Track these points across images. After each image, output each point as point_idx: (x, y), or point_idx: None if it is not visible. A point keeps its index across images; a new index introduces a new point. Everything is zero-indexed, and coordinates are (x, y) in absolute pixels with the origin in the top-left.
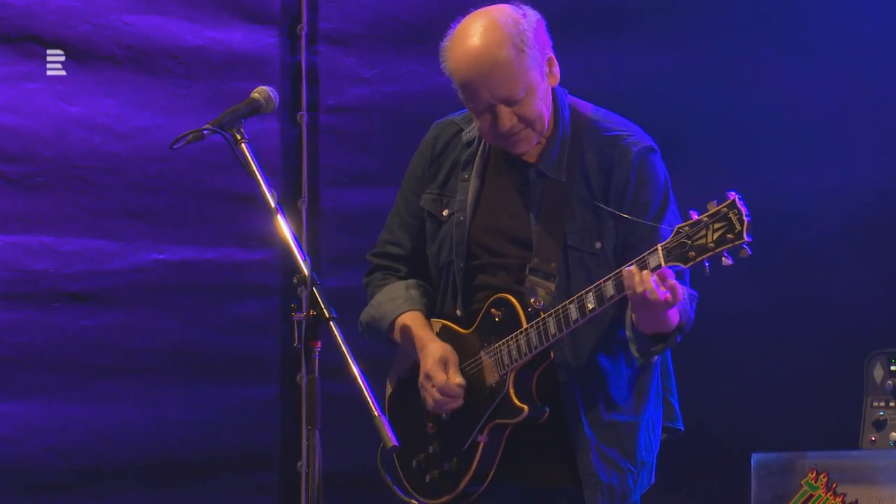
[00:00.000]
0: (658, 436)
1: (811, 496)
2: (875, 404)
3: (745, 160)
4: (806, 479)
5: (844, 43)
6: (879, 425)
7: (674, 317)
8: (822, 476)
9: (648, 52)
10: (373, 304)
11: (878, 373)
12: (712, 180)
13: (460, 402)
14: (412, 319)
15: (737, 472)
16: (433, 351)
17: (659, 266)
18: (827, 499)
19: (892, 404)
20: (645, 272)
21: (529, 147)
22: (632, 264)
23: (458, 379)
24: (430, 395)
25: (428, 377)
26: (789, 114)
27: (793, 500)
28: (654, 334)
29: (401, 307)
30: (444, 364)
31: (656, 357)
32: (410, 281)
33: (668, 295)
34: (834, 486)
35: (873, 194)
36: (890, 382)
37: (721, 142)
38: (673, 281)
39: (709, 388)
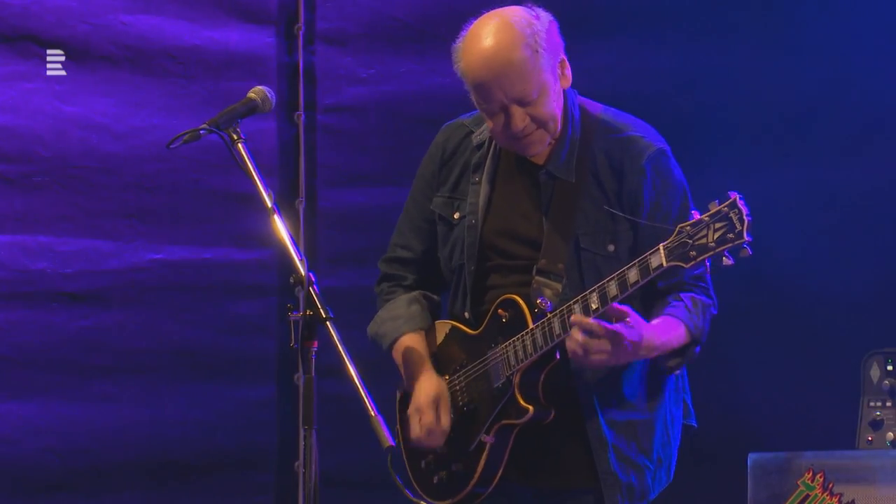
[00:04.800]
0: (678, 432)
1: (808, 496)
2: (872, 404)
3: (743, 160)
4: (802, 479)
5: (842, 43)
6: (876, 425)
7: (671, 335)
8: (818, 476)
9: (648, 53)
10: (376, 319)
11: (875, 373)
12: (711, 180)
13: (441, 442)
14: (410, 344)
15: (733, 472)
16: (427, 388)
17: (660, 265)
18: (823, 499)
19: (888, 404)
20: (574, 328)
21: (542, 148)
22: (631, 266)
23: (445, 423)
24: (415, 429)
25: (418, 411)
26: (788, 113)
27: (789, 500)
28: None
29: (399, 328)
30: (436, 404)
31: (680, 367)
32: (413, 294)
33: (593, 356)
34: (830, 485)
35: (870, 193)
36: (886, 382)
37: (719, 142)
38: (605, 331)
39: (705, 387)
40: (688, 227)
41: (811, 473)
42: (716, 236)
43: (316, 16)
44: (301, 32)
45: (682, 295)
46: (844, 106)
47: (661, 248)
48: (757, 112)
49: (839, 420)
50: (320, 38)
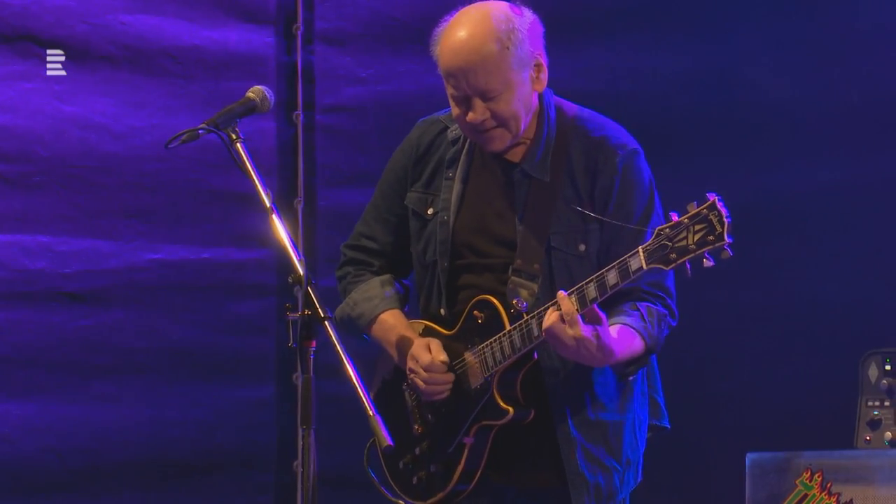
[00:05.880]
0: (644, 434)
1: (806, 496)
2: (870, 404)
3: (741, 160)
4: (801, 479)
5: (841, 42)
6: (874, 425)
7: (627, 346)
8: (816, 476)
9: (645, 53)
10: (348, 302)
11: (873, 372)
12: (709, 180)
13: (450, 379)
14: (392, 319)
15: (731, 471)
16: (416, 342)
17: (640, 268)
18: (822, 498)
19: (886, 404)
20: (559, 320)
21: (503, 146)
22: (611, 269)
23: (442, 356)
24: (419, 377)
25: (413, 358)
26: (785, 113)
27: (787, 500)
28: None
29: (378, 307)
30: (427, 346)
31: (635, 374)
32: (385, 277)
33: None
34: (829, 485)
35: (868, 193)
36: (885, 382)
37: (717, 141)
38: (582, 333)
39: (703, 387)
40: (666, 230)
41: (809, 473)
42: (696, 238)
43: (315, 16)
44: (300, 32)
45: (638, 304)
46: (845, 105)
47: (641, 250)
48: (756, 112)
49: (837, 420)
50: (319, 37)
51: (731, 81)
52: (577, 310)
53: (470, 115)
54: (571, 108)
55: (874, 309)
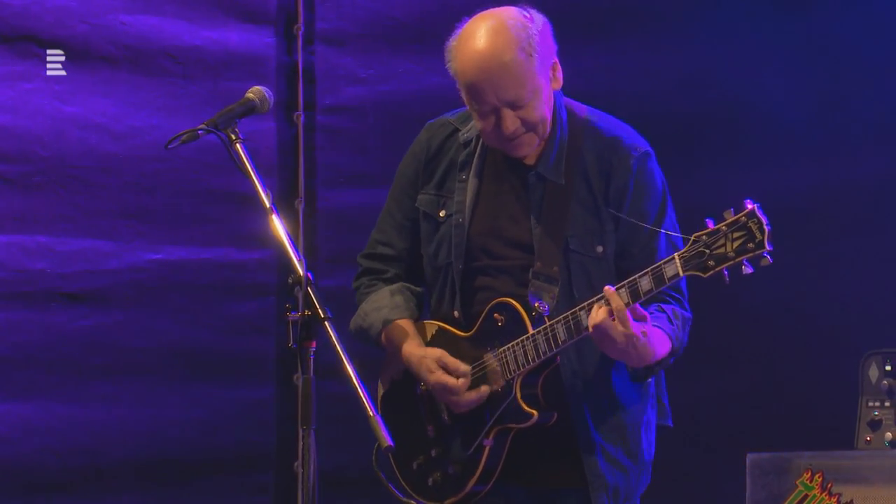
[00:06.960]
0: (654, 434)
1: (806, 496)
2: (870, 404)
3: (742, 160)
4: (801, 480)
5: (843, 41)
6: (875, 425)
7: (662, 347)
8: (817, 476)
9: (645, 53)
10: (359, 313)
11: (874, 373)
12: (707, 180)
13: (483, 395)
14: (398, 329)
15: (731, 471)
16: (428, 362)
17: (676, 275)
18: (822, 499)
19: (887, 404)
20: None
21: (530, 151)
22: (644, 275)
23: (462, 368)
24: (452, 402)
25: (442, 388)
26: (786, 113)
27: (788, 500)
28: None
29: (386, 317)
30: (444, 367)
31: (651, 377)
32: (395, 286)
33: (624, 340)
34: (829, 486)
35: (869, 193)
36: (885, 382)
37: (716, 142)
38: (632, 330)
39: (704, 387)
40: (704, 237)
41: (810, 473)
42: (734, 246)
43: (315, 16)
44: (300, 33)
45: (664, 307)
46: (846, 106)
47: (677, 257)
48: (757, 112)
49: (838, 420)
50: (319, 38)
51: (731, 81)
52: (629, 303)
53: (504, 128)
54: (582, 108)
55: (874, 309)
